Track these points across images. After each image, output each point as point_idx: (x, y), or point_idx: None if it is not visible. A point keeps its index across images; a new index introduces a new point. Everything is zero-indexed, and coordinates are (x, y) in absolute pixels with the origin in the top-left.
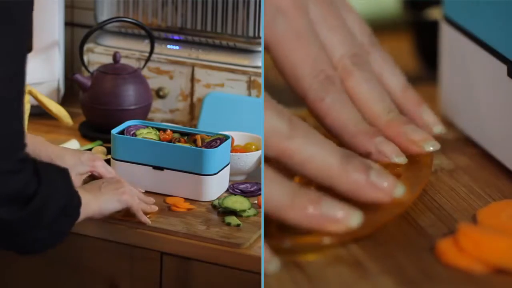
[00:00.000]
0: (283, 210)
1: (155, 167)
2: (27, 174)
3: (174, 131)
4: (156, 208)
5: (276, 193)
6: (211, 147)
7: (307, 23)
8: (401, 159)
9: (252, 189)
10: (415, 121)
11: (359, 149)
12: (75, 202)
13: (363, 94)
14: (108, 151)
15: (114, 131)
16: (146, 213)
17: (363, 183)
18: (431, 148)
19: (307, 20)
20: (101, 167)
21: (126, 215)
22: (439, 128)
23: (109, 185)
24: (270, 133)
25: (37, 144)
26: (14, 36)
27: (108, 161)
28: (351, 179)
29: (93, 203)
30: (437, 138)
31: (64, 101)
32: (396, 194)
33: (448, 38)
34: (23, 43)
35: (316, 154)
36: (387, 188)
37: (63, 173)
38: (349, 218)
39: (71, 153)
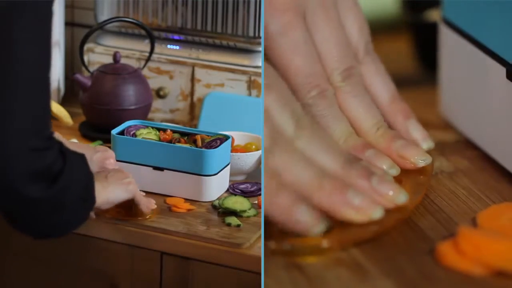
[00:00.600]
0: (308, 192)
1: (155, 168)
2: (54, 151)
3: (174, 131)
4: (154, 203)
5: (302, 175)
6: (211, 147)
7: (304, 33)
8: (393, 171)
9: (252, 189)
10: (403, 135)
11: None
12: (93, 187)
13: (351, 111)
14: None
15: (114, 131)
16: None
17: (365, 189)
18: (423, 163)
19: (304, 29)
20: (111, 167)
21: (126, 215)
22: (427, 144)
23: (115, 174)
24: (276, 129)
25: None
26: (37, 18)
27: None
28: (353, 185)
29: (102, 192)
30: (437, 140)
31: (64, 101)
32: (398, 201)
33: (447, 40)
34: (48, 23)
35: (318, 158)
36: (389, 195)
37: (82, 156)
38: (372, 209)
39: (83, 150)
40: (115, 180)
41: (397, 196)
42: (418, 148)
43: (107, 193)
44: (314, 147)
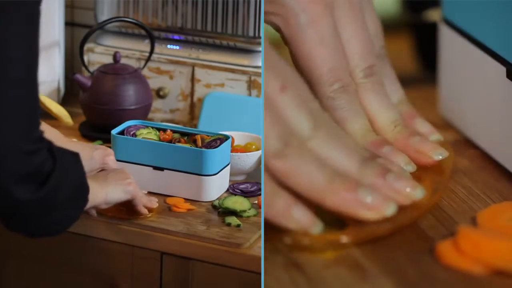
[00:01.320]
0: (321, 193)
1: (155, 168)
2: (44, 152)
3: (174, 131)
4: (156, 202)
5: (315, 177)
6: (211, 147)
7: (331, 26)
8: (409, 168)
9: (252, 189)
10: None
11: None
12: (85, 187)
13: (371, 107)
14: None
15: (114, 131)
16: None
17: (381, 187)
18: (440, 157)
19: (332, 22)
20: (112, 164)
21: (126, 215)
22: (435, 136)
23: (116, 175)
24: (293, 129)
25: (49, 136)
26: (26, 18)
27: None
28: (369, 184)
29: (100, 192)
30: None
31: (64, 101)
32: (415, 197)
33: (447, 40)
34: (36, 24)
35: (334, 157)
36: (406, 191)
37: (75, 156)
38: (384, 207)
39: (83, 148)
40: (115, 181)
41: (414, 192)
42: (434, 144)
43: (106, 193)
44: (331, 146)
